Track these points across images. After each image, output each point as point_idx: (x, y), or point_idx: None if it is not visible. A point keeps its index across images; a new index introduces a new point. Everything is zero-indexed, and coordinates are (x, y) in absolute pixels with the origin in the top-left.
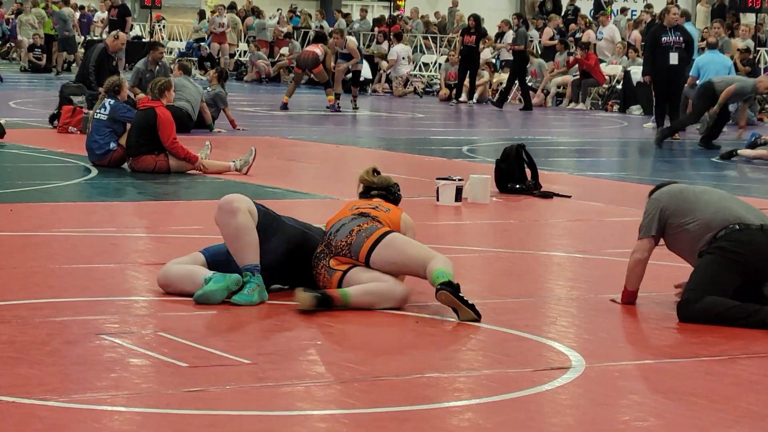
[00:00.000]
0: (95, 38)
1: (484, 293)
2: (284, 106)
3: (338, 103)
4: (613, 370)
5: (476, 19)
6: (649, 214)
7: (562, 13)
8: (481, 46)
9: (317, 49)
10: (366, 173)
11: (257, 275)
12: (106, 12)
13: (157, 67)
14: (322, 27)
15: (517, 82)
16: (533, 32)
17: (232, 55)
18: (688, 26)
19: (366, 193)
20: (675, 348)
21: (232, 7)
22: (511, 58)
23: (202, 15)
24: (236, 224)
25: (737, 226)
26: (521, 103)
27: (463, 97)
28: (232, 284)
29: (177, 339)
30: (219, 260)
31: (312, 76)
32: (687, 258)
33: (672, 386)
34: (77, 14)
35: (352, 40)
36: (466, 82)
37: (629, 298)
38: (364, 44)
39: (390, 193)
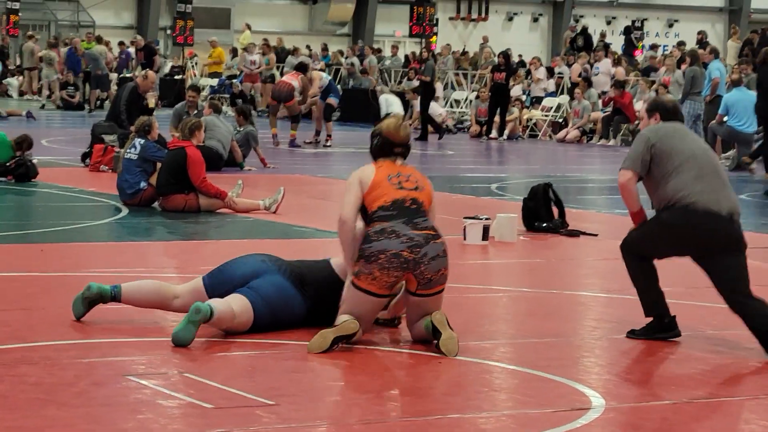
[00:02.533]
0: (127, 75)
1: (509, 333)
2: (292, 143)
3: (318, 139)
4: (633, 410)
5: (506, 56)
6: (637, 151)
7: (593, 49)
8: (511, 82)
9: (294, 81)
10: (395, 127)
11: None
12: (135, 52)
13: (195, 111)
14: (353, 64)
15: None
16: (564, 68)
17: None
18: (716, 63)
19: (389, 150)
20: (695, 389)
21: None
22: (541, 94)
23: (234, 52)
24: None
25: (705, 210)
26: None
27: (494, 133)
28: (192, 315)
29: (202, 380)
30: (218, 291)
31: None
32: (650, 194)
33: (691, 428)
34: (115, 51)
35: (317, 73)
36: (497, 118)
37: (640, 218)
38: (395, 81)
39: (408, 149)
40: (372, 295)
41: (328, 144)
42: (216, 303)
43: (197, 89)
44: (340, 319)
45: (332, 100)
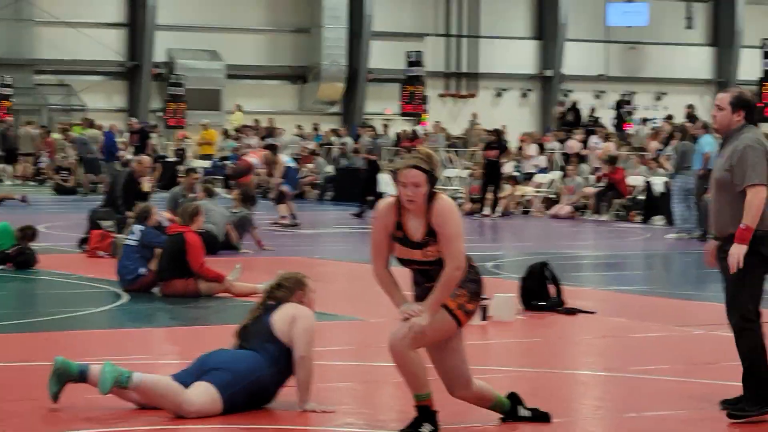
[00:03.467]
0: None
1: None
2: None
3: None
4: None
5: (498, 133)
6: (759, 162)
7: (583, 124)
8: (503, 159)
9: (254, 158)
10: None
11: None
12: (129, 135)
13: (192, 194)
14: (344, 143)
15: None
16: (554, 144)
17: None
18: (707, 138)
19: None
20: None
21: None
22: (533, 170)
23: (226, 133)
24: None
25: None
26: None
27: (487, 210)
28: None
29: None
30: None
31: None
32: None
33: None
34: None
35: (280, 158)
36: (490, 195)
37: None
38: (387, 159)
39: None
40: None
41: (286, 223)
42: (144, 374)
43: (195, 171)
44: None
45: (285, 188)
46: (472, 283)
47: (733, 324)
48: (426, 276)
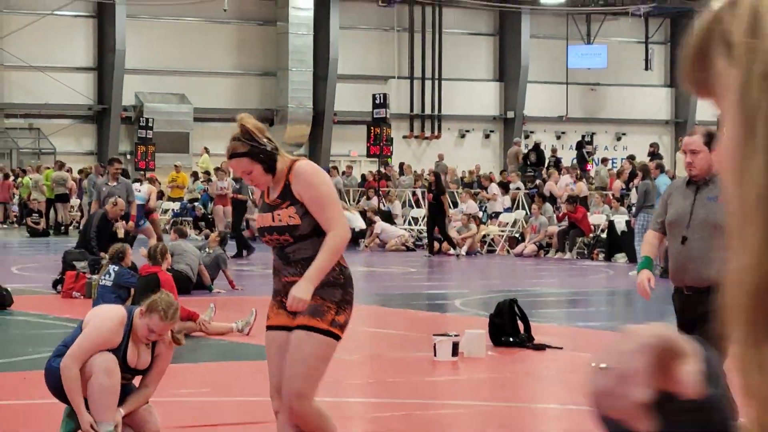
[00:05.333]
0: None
1: None
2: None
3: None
4: None
5: (436, 176)
6: None
7: (546, 165)
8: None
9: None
10: None
11: None
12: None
13: (116, 184)
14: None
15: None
16: (519, 183)
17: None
18: (662, 178)
19: None
20: None
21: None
22: (499, 209)
23: (195, 176)
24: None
25: None
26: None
27: (453, 251)
28: None
29: None
30: None
31: None
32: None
33: None
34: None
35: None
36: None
37: None
38: (354, 200)
39: None
40: None
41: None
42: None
43: (119, 161)
44: None
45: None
46: (337, 289)
47: None
48: (284, 259)
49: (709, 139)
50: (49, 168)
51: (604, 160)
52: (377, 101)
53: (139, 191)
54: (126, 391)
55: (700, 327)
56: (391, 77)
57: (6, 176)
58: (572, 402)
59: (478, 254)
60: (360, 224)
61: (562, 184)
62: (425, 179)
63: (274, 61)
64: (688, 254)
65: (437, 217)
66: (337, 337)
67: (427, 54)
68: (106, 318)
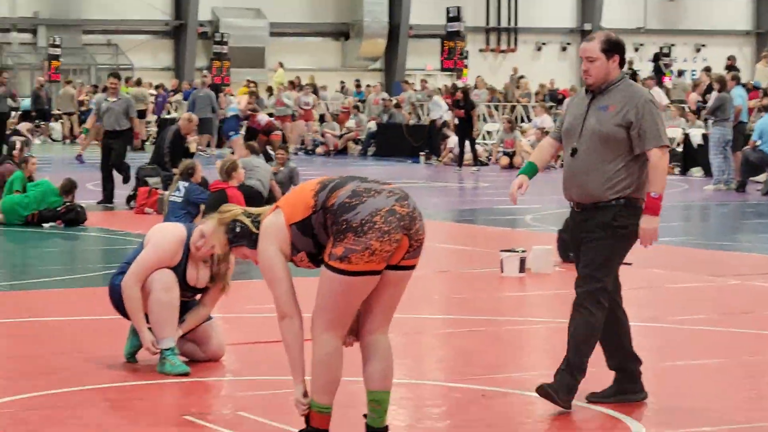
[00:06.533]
0: (167, 117)
1: (548, 365)
2: None
3: None
4: None
5: (464, 92)
6: (662, 122)
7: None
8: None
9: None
10: None
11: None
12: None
13: (114, 99)
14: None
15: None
16: None
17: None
18: (737, 90)
19: None
20: (735, 416)
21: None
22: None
23: (270, 91)
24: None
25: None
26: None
27: (474, 167)
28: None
29: (256, 418)
30: None
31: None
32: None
33: None
34: (152, 93)
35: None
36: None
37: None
38: (426, 114)
39: None
40: (373, 274)
41: None
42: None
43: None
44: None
45: None
46: (334, 220)
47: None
48: None
49: (608, 46)
50: (128, 83)
51: (680, 73)
52: (451, 15)
53: (232, 103)
54: (188, 309)
55: (584, 246)
56: None
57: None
58: (640, 319)
59: (552, 169)
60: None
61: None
62: (499, 93)
63: None
64: (575, 167)
65: (467, 131)
66: (335, 269)
67: None
68: (165, 236)
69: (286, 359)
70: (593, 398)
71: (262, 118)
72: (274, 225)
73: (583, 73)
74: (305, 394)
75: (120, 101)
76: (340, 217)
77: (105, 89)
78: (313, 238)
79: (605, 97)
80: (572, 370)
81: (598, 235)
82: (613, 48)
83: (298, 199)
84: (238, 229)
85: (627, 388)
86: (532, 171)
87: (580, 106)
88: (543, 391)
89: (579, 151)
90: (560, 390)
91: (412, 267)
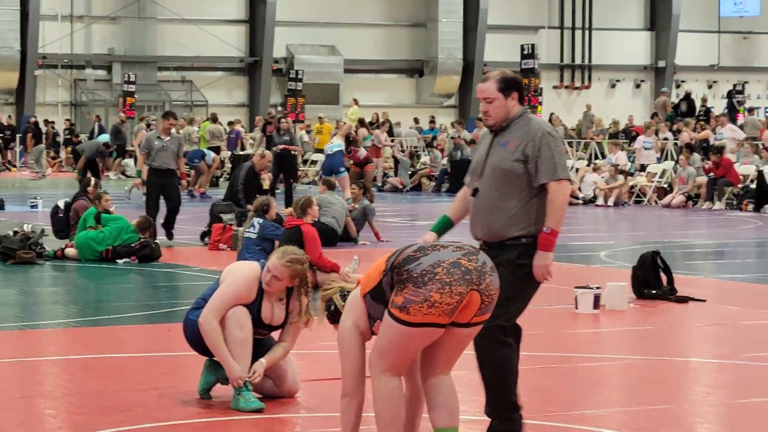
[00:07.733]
0: (241, 153)
1: (622, 401)
2: None
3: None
4: None
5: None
6: (560, 154)
7: (696, 114)
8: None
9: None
10: None
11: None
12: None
13: (168, 138)
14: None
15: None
16: (668, 134)
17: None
18: None
19: None
20: None
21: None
22: (646, 162)
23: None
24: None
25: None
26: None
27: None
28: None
29: None
30: None
31: None
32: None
33: None
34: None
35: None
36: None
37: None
38: None
39: None
40: (433, 326)
41: None
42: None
43: (175, 116)
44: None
45: None
46: (398, 273)
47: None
48: None
49: (505, 84)
50: (206, 120)
51: (751, 110)
52: (525, 52)
53: (333, 143)
54: (264, 346)
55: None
56: (541, 27)
57: (147, 126)
58: (714, 356)
59: (626, 205)
60: None
61: (727, 133)
62: (571, 129)
63: (424, 11)
64: (477, 205)
65: None
66: (394, 318)
67: (577, 3)
68: (241, 274)
69: None
70: None
71: (362, 152)
72: (352, 298)
73: (482, 114)
74: None
75: (173, 140)
76: (403, 267)
77: (148, 125)
78: (385, 305)
79: (506, 133)
80: (502, 413)
81: (502, 273)
82: (511, 85)
83: (372, 268)
84: (332, 308)
85: None
86: (443, 226)
87: (484, 145)
88: None
89: (481, 190)
90: None
91: (480, 323)
